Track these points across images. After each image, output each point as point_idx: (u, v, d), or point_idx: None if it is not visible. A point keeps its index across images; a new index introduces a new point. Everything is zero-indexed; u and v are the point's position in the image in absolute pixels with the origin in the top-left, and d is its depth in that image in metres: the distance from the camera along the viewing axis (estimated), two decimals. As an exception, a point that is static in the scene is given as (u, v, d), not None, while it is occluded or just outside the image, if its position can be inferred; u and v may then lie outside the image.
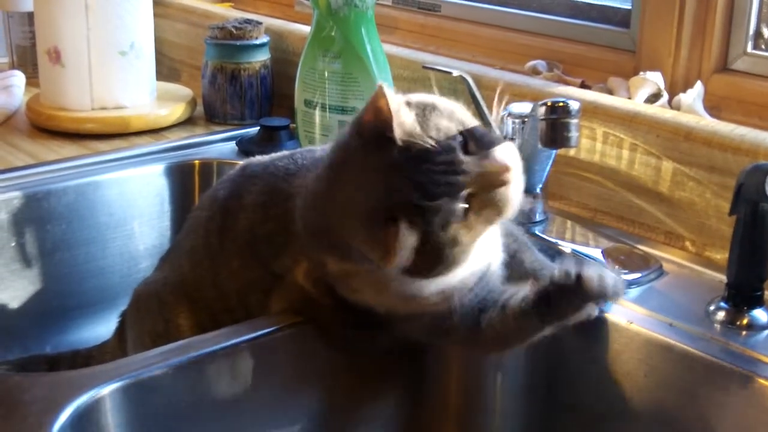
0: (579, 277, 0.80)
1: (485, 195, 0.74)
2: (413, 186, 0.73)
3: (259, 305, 0.90)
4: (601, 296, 0.81)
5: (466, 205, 0.73)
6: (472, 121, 0.77)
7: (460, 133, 0.75)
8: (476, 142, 0.75)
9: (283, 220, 0.86)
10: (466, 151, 0.74)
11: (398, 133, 0.73)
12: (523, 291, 0.83)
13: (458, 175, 0.73)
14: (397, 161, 0.73)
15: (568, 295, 0.81)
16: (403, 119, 0.74)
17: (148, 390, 0.80)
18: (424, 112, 0.75)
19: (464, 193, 0.73)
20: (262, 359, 0.86)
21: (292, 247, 0.86)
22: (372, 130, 0.75)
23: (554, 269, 0.87)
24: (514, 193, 0.75)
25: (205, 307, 0.94)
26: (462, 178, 0.73)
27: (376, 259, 0.74)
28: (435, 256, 0.74)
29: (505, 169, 0.74)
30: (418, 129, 0.74)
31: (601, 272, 0.81)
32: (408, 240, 0.72)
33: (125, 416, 0.79)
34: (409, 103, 0.76)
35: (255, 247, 0.89)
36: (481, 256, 0.82)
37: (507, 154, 0.75)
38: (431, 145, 0.73)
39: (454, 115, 0.76)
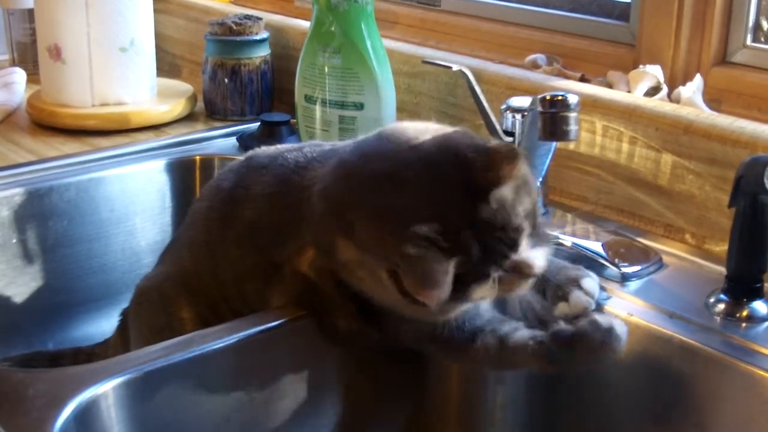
0: (611, 330, 0.80)
1: (510, 275, 0.77)
2: (479, 243, 0.74)
3: (257, 294, 0.90)
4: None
5: (500, 274, 0.76)
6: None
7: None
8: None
9: (297, 210, 0.86)
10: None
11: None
12: (524, 329, 0.84)
13: (513, 251, 0.75)
14: (471, 208, 0.74)
15: (591, 343, 0.81)
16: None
17: (151, 385, 0.80)
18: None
19: (506, 266, 0.76)
20: (265, 354, 0.86)
21: (300, 236, 0.85)
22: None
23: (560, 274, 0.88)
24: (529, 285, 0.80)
25: (205, 298, 0.94)
26: (514, 255, 0.76)
27: (411, 286, 0.72)
28: (448, 303, 0.75)
29: (536, 271, 0.77)
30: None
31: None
32: (449, 280, 0.73)
33: (128, 411, 0.79)
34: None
35: (257, 236, 0.89)
36: None
37: (542, 257, 0.78)
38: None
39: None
